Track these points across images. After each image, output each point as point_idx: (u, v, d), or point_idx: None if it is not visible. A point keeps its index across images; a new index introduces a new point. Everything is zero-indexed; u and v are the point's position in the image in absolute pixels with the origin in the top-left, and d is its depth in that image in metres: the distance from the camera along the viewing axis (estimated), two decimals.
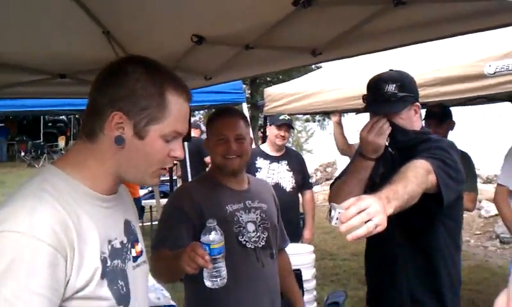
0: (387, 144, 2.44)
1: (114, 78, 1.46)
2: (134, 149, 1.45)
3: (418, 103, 2.51)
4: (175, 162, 1.58)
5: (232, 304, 2.47)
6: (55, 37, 2.68)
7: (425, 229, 2.41)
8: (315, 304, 4.87)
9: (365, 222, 1.65)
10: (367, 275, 2.75)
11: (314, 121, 26.61)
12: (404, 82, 2.47)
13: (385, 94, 2.41)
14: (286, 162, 5.23)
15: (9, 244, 1.23)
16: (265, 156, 5.22)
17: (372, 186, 2.44)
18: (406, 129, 2.44)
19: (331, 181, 2.77)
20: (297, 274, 3.38)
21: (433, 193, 2.17)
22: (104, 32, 2.59)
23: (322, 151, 20.58)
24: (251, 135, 2.76)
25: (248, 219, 2.56)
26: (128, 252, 1.57)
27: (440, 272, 2.42)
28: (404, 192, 1.91)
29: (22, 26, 2.47)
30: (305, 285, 3.81)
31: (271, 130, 5.26)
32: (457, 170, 2.30)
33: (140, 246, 1.66)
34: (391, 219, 2.18)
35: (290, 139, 20.16)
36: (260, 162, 5.16)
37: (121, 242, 1.54)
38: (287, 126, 5.26)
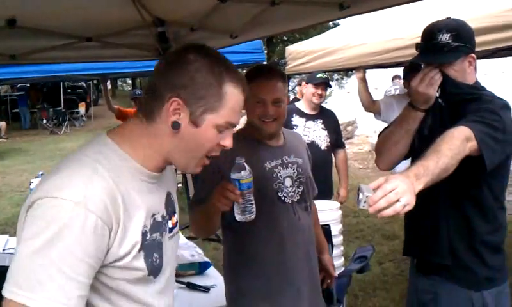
0: (438, 95, 2.37)
1: (175, 65, 1.51)
2: (187, 135, 1.51)
3: (473, 55, 2.39)
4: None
5: (272, 256, 2.52)
6: (81, 0, 2.70)
7: (469, 191, 2.36)
8: (342, 258, 4.95)
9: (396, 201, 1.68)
10: (406, 224, 2.68)
11: (332, 80, 26.41)
12: (460, 31, 2.35)
13: (438, 44, 2.33)
14: (321, 120, 5.24)
15: (62, 212, 1.30)
16: (301, 114, 5.22)
17: (420, 138, 2.44)
18: (458, 81, 2.36)
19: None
20: (327, 229, 3.42)
21: (476, 156, 2.12)
22: None
23: (341, 110, 20.43)
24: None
25: (286, 174, 2.59)
26: (166, 224, 1.66)
27: (480, 231, 2.37)
28: (435, 167, 1.90)
29: None
30: (333, 240, 3.85)
31: (308, 89, 5.24)
32: (505, 132, 2.21)
33: (176, 217, 1.74)
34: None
35: None
36: (296, 120, 5.17)
37: (162, 215, 1.62)
38: (325, 84, 5.25)
